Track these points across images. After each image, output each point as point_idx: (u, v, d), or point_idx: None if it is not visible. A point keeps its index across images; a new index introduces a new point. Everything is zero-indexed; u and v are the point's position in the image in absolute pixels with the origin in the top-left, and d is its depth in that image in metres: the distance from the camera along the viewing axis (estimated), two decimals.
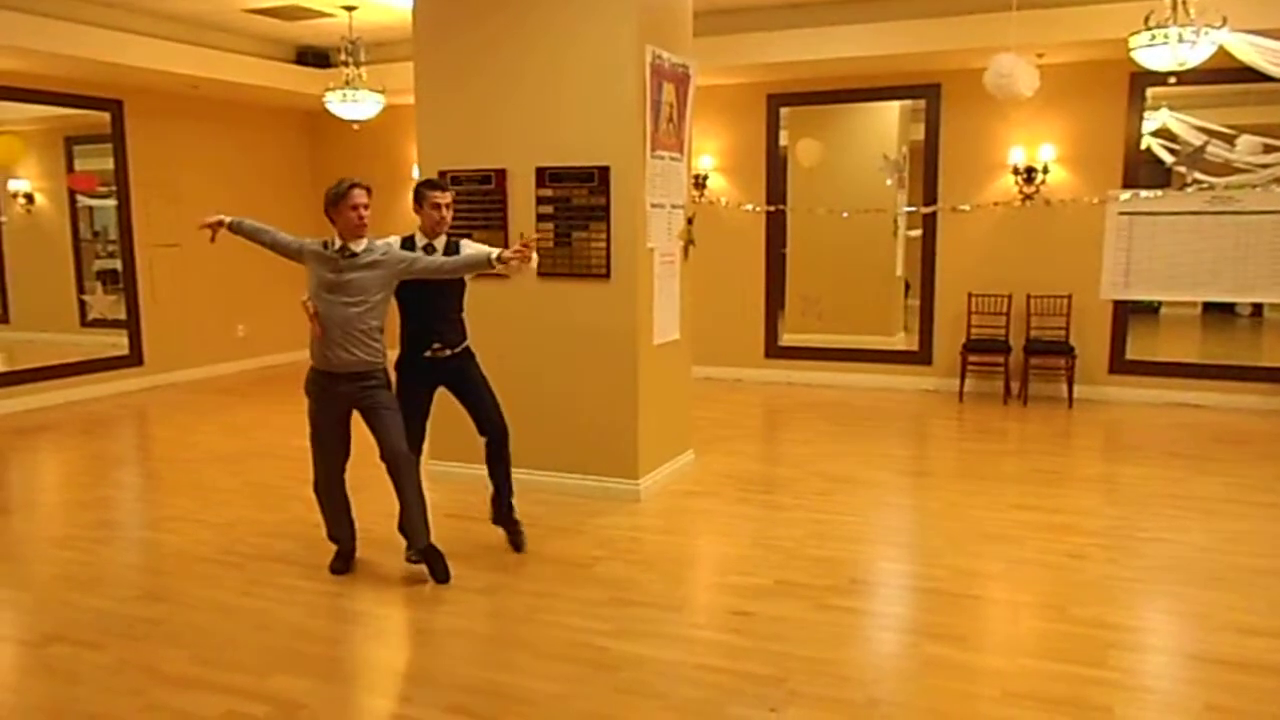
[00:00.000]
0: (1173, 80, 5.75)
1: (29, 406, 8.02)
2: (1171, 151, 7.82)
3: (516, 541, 4.61)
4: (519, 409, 4.88)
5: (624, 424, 5.33)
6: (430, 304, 4.38)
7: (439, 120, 5.58)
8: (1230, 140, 7.60)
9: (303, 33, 8.71)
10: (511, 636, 3.74)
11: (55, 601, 4.09)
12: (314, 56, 9.38)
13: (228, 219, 4.22)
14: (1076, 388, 8.00)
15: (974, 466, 6.27)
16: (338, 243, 4.05)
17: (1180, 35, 5.45)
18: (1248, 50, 5.82)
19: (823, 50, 7.69)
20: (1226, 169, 7.54)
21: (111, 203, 8.84)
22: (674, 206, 5.65)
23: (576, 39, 5.19)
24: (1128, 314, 8.13)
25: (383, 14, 7.81)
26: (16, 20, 6.83)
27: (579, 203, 5.29)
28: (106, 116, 8.65)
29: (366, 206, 4.04)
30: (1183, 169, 7.62)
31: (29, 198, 8.66)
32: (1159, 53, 5.58)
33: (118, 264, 8.91)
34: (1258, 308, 10.65)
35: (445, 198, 4.36)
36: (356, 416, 4.17)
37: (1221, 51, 5.70)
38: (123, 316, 8.92)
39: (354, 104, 7.95)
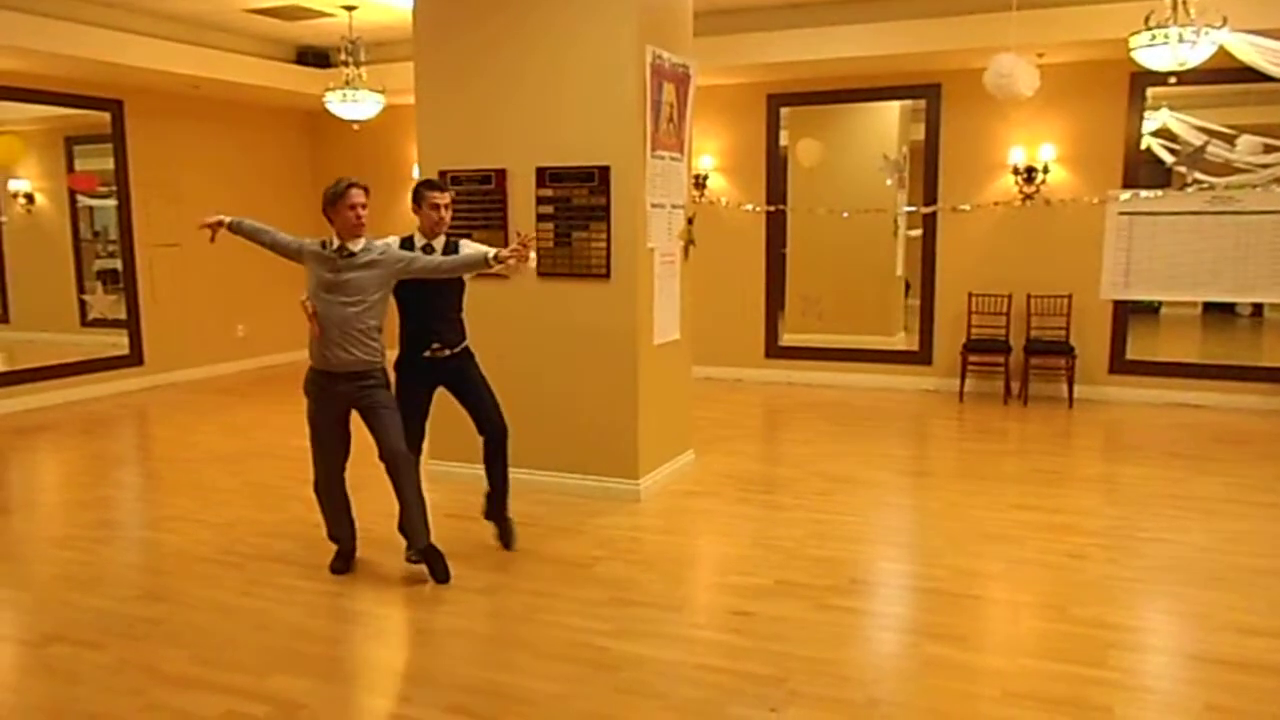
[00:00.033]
0: (1173, 80, 5.75)
1: (29, 406, 8.02)
2: (1172, 151, 7.82)
3: (506, 538, 4.61)
4: (519, 409, 4.88)
5: (624, 424, 5.33)
6: (429, 304, 4.38)
7: (439, 120, 5.58)
8: (1230, 140, 7.60)
9: (303, 33, 8.71)
10: (511, 636, 3.74)
11: (55, 601, 4.09)
12: (314, 56, 9.38)
13: (227, 219, 4.22)
14: (1077, 388, 8.00)
15: (974, 466, 6.27)
16: (336, 242, 4.05)
17: (1180, 35, 5.45)
18: (1248, 50, 5.82)
19: (823, 50, 7.69)
20: (1227, 169, 7.54)
21: (112, 203, 8.84)
22: (674, 206, 5.65)
23: (577, 39, 5.19)
24: (1128, 314, 8.13)
25: (383, 14, 7.81)
26: (17, 20, 6.83)
27: (579, 203, 5.29)
28: (107, 116, 8.65)
29: (364, 206, 4.04)
30: (1183, 169, 7.62)
31: (29, 198, 8.66)
32: (1159, 53, 5.58)
33: (118, 264, 8.91)
34: (1258, 308, 10.65)
35: (444, 198, 4.36)
36: (357, 416, 4.17)
37: (1222, 51, 5.70)
38: (123, 316, 8.92)
39: (354, 104, 7.95)
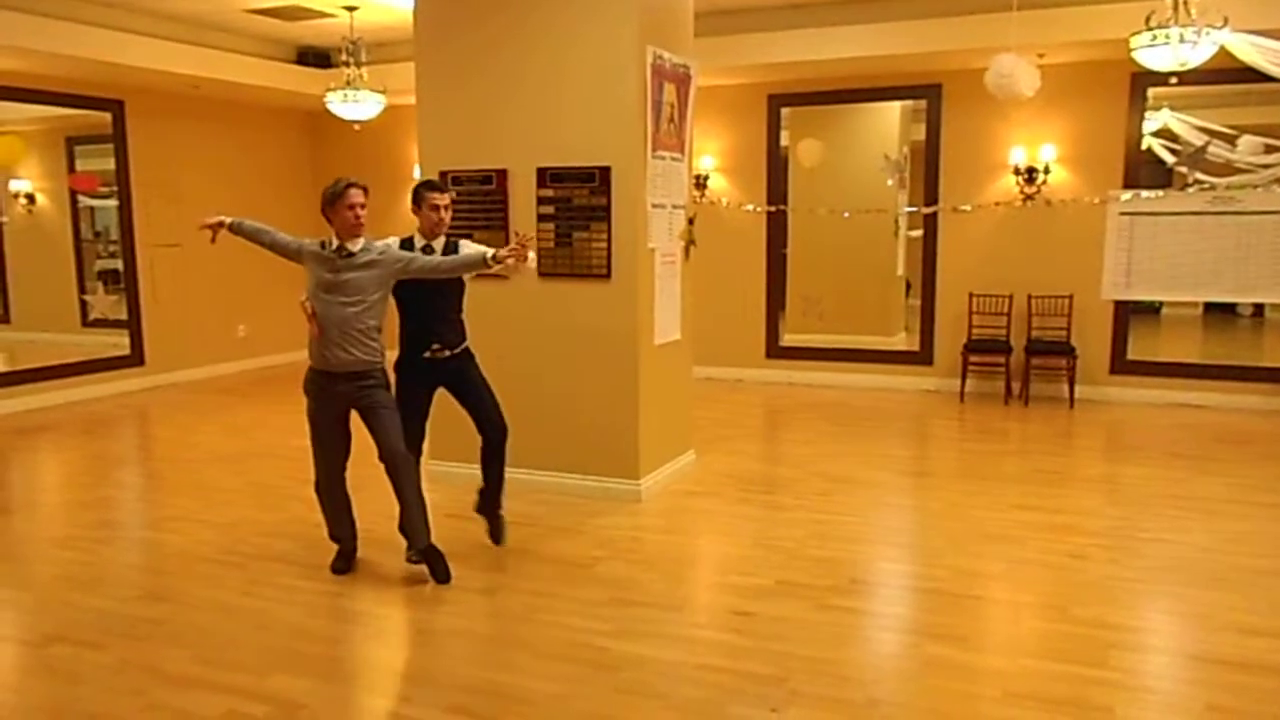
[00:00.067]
0: (1174, 80, 5.75)
1: (30, 406, 8.02)
2: (1173, 152, 7.82)
3: (497, 534, 4.61)
4: (520, 409, 4.88)
5: (625, 424, 5.33)
6: (429, 304, 4.38)
7: (440, 120, 5.58)
8: (1231, 140, 7.60)
9: (304, 33, 8.72)
10: (512, 637, 3.74)
11: (56, 602, 4.10)
12: (315, 57, 9.39)
13: (228, 220, 4.22)
14: (1078, 388, 7.99)
15: (975, 467, 6.27)
16: (335, 243, 4.05)
17: (1181, 35, 5.44)
18: (1249, 50, 5.81)
19: (824, 50, 7.69)
20: (1228, 169, 7.53)
21: (113, 203, 8.85)
22: (675, 207, 5.65)
23: (578, 39, 5.19)
24: (1129, 314, 8.13)
25: (383, 14, 7.81)
26: (17, 20, 6.83)
27: (580, 203, 5.29)
28: (108, 117, 8.65)
29: (363, 206, 4.04)
30: (1184, 169, 7.61)
31: (30, 198, 8.66)
32: (1160, 53, 5.58)
33: (119, 264, 8.92)
34: (1259, 308, 10.64)
35: (444, 199, 4.36)
36: (357, 416, 4.17)
37: (1223, 52, 5.69)
38: (124, 316, 8.92)
39: (355, 104, 7.96)
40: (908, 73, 8.24)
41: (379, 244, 4.14)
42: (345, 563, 4.35)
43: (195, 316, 9.44)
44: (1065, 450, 6.71)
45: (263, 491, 5.64)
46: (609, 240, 5.24)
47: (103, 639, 3.68)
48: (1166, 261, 7.58)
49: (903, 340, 9.42)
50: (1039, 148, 8.03)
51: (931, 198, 8.46)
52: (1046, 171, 8.01)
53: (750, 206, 8.99)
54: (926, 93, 8.42)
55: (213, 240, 4.22)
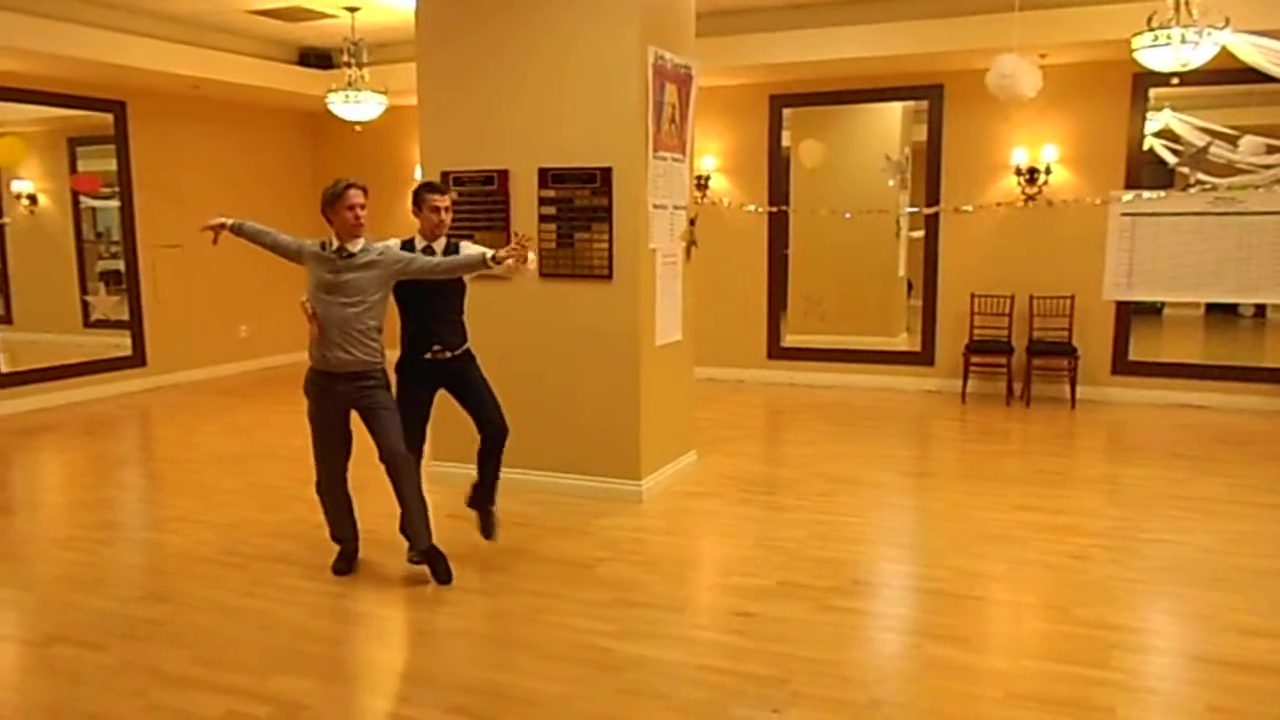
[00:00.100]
0: (1175, 81, 5.74)
1: (32, 407, 8.03)
2: (1174, 152, 7.81)
3: (487, 529, 4.61)
4: (521, 410, 4.88)
5: (626, 425, 5.33)
6: (429, 305, 4.37)
7: (441, 121, 5.58)
8: (1233, 141, 7.59)
9: (305, 34, 8.72)
10: (513, 637, 3.74)
11: (58, 602, 4.10)
12: (316, 58, 9.39)
13: (230, 221, 4.22)
14: (1079, 388, 7.99)
15: (976, 467, 6.26)
16: (335, 243, 4.05)
17: (1183, 36, 5.44)
18: (1250, 51, 5.81)
19: (825, 51, 7.69)
20: (1229, 170, 7.53)
21: (114, 204, 8.85)
22: (676, 207, 5.65)
23: (579, 40, 5.19)
24: (1130, 315, 8.12)
25: (385, 15, 7.81)
26: (18, 21, 6.84)
27: (581, 204, 5.29)
28: (109, 118, 8.66)
29: (363, 206, 4.04)
30: (1185, 170, 7.61)
31: (32, 199, 8.67)
32: (1162, 53, 5.58)
33: (120, 265, 8.93)
34: (1260, 308, 10.64)
35: (444, 201, 4.36)
36: (358, 417, 4.17)
37: (1224, 52, 5.69)
38: (125, 317, 8.93)
39: (356, 105, 7.96)
40: (909, 73, 8.23)
41: (379, 245, 4.14)
42: (347, 563, 4.35)
43: (197, 317, 9.45)
44: (1067, 451, 6.71)
45: (264, 492, 5.64)
46: (610, 241, 5.24)
47: (104, 639, 3.68)
48: (1168, 262, 7.58)
49: (904, 341, 9.42)
50: (1040, 148, 8.03)
51: (933, 198, 8.46)
52: (1048, 172, 8.01)
53: (752, 207, 8.99)
54: (928, 93, 8.42)
55: (214, 242, 4.23)
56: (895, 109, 9.30)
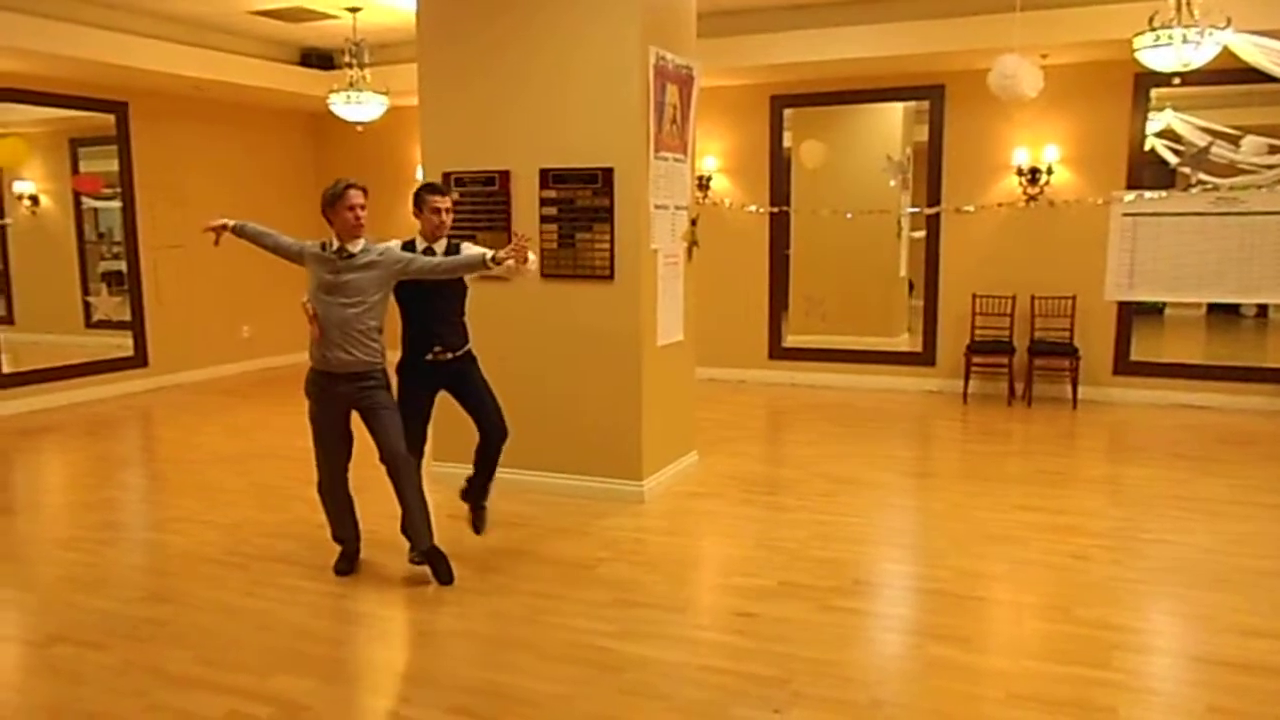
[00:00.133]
0: (1177, 81, 5.73)
1: (34, 408, 8.04)
2: (1176, 152, 7.81)
3: (478, 524, 4.63)
4: (523, 410, 4.88)
5: (628, 425, 5.33)
6: (431, 306, 4.37)
7: (443, 121, 5.59)
8: (1235, 141, 7.59)
9: (307, 34, 8.73)
10: (515, 638, 3.74)
11: (60, 602, 4.10)
12: (318, 58, 9.40)
13: (231, 223, 4.23)
14: (1081, 389, 7.98)
15: (978, 468, 6.26)
16: (335, 244, 4.05)
17: (1184, 36, 5.44)
18: (1252, 51, 5.81)
19: (827, 51, 7.69)
20: (1231, 170, 7.53)
21: (116, 204, 8.87)
22: (678, 208, 5.65)
23: (581, 41, 5.19)
24: (1132, 315, 8.12)
25: (386, 16, 7.82)
26: (20, 22, 6.85)
27: (583, 204, 5.29)
28: (111, 118, 8.67)
29: (363, 207, 4.05)
30: (1187, 170, 7.60)
31: (34, 200, 8.68)
32: (1163, 53, 5.57)
33: (122, 265, 8.94)
34: (1262, 309, 10.64)
35: (445, 202, 4.36)
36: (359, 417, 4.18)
37: (1226, 52, 5.69)
38: (127, 318, 8.94)
39: (358, 105, 7.97)
40: (911, 73, 8.23)
41: (379, 245, 4.14)
42: (348, 564, 4.35)
43: (198, 318, 9.46)
44: (1068, 451, 6.70)
45: (265, 492, 5.65)
46: (612, 241, 5.25)
47: (105, 640, 3.69)
48: (1170, 262, 7.58)
49: (906, 341, 9.41)
50: (1042, 148, 8.02)
51: (934, 198, 8.46)
52: (1049, 172, 8.00)
53: (753, 207, 8.99)
54: (929, 93, 8.41)
55: (216, 243, 4.23)
56: (896, 109, 9.30)
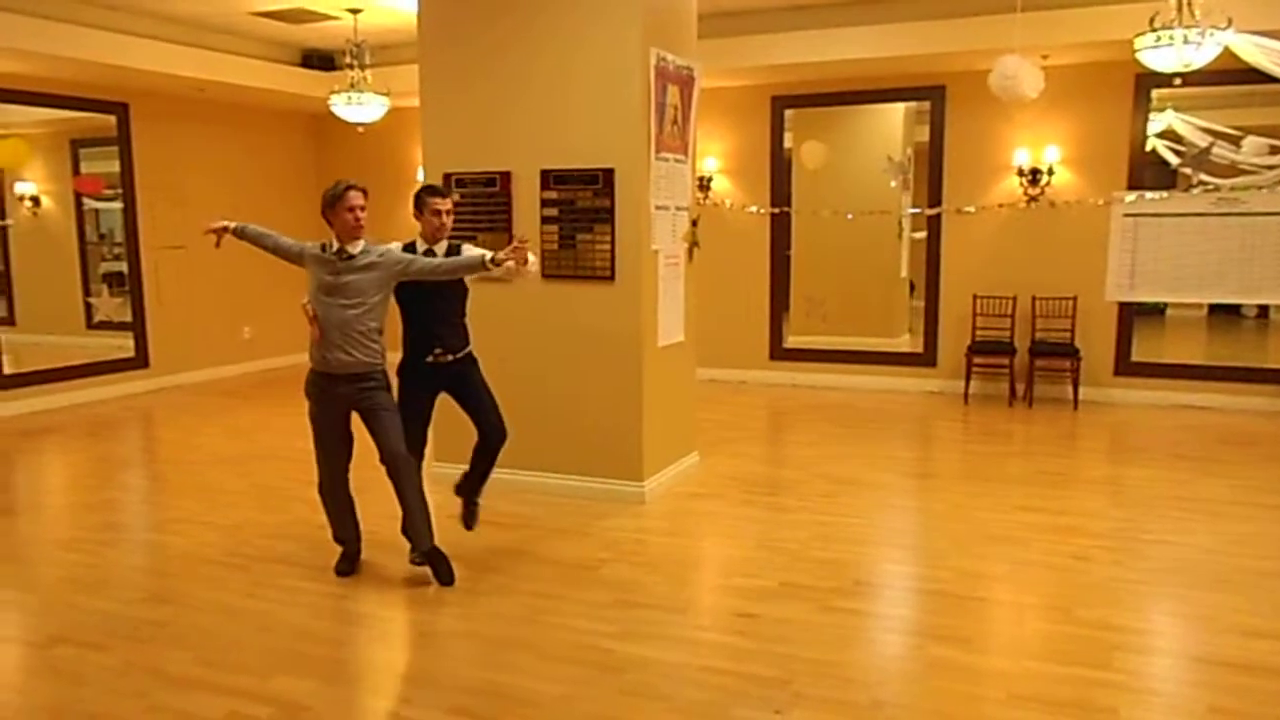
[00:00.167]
0: (1178, 81, 5.74)
1: (35, 409, 8.04)
2: (1177, 153, 7.80)
3: (469, 520, 4.63)
4: (523, 411, 4.88)
5: (629, 426, 5.33)
6: (431, 308, 4.37)
7: (444, 122, 5.59)
8: (1236, 141, 7.58)
9: (308, 35, 8.73)
10: (515, 638, 3.74)
11: (61, 603, 4.10)
12: (319, 59, 9.40)
13: (232, 225, 4.23)
14: (1082, 389, 7.98)
15: (979, 468, 6.26)
16: (335, 245, 4.05)
17: (1185, 36, 5.43)
18: (1253, 51, 5.81)
19: (827, 52, 7.69)
20: (1232, 170, 7.52)
21: (117, 205, 8.87)
22: (678, 208, 5.65)
23: (582, 42, 5.20)
24: (1133, 316, 8.11)
25: (387, 17, 7.82)
26: (21, 23, 6.85)
27: (584, 205, 5.29)
28: (112, 119, 8.67)
29: (363, 208, 4.05)
30: (1188, 170, 7.60)
31: (35, 200, 8.69)
32: (1164, 54, 5.57)
33: (123, 266, 8.94)
34: (1263, 309, 10.63)
35: (445, 204, 4.35)
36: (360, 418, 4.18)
37: (1227, 53, 5.69)
38: (128, 319, 8.94)
39: (359, 107, 7.97)
40: (911, 74, 8.23)
41: (379, 247, 4.14)
42: (349, 565, 4.36)
43: (199, 319, 9.46)
44: (1069, 452, 6.70)
45: (266, 493, 5.65)
46: (612, 242, 5.25)
47: (106, 640, 3.69)
48: (1171, 263, 7.57)
49: (907, 342, 9.41)
50: (1043, 149, 8.02)
51: (935, 199, 8.46)
52: (1050, 173, 8.00)
53: (754, 208, 9.00)
54: (930, 94, 8.41)
55: (217, 245, 4.24)
56: (897, 110, 9.30)
